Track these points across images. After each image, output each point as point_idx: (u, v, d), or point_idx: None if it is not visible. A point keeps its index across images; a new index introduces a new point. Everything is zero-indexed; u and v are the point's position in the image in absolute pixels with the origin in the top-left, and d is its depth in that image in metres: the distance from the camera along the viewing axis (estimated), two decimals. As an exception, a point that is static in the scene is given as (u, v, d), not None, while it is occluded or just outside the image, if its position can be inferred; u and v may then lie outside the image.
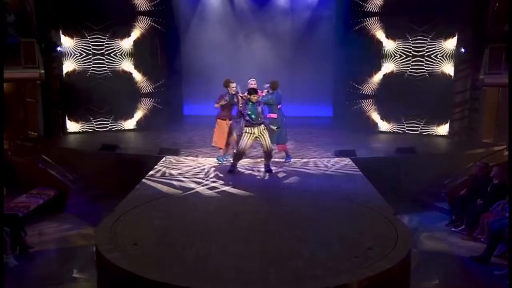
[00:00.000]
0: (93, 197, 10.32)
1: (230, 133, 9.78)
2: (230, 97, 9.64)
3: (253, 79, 9.94)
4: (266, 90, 9.91)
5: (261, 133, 9.10)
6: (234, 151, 9.51)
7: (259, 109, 9.02)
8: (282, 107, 10.04)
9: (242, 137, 9.21)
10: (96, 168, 10.83)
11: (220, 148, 9.98)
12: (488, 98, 12.53)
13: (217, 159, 10.02)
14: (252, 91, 9.07)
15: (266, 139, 9.15)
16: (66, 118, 13.20)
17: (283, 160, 10.09)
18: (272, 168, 9.38)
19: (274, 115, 9.81)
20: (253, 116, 8.96)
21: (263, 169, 9.35)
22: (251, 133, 9.07)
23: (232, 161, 9.37)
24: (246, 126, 9.09)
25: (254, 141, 9.25)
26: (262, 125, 9.11)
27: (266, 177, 9.04)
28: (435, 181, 10.37)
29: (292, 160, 10.15)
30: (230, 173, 9.12)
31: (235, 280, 4.95)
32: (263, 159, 9.54)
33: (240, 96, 9.64)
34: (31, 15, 12.12)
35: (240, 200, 7.66)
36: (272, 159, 9.62)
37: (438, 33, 12.74)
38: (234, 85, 9.70)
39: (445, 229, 8.82)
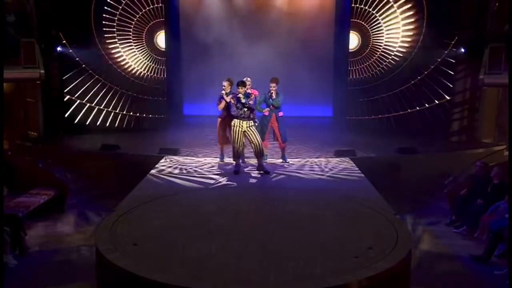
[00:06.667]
0: (93, 197, 10.31)
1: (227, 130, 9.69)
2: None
3: (247, 78, 9.83)
4: (272, 92, 9.61)
5: (248, 129, 9.00)
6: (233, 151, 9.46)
7: (250, 103, 8.90)
8: (283, 107, 9.98)
9: (232, 134, 9.10)
10: (96, 168, 10.83)
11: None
12: (488, 98, 12.54)
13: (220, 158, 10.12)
14: (241, 83, 8.92)
15: (254, 135, 9.01)
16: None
17: (281, 160, 10.07)
18: (271, 168, 9.36)
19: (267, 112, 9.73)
20: (241, 112, 8.88)
21: (264, 169, 9.23)
22: (239, 126, 8.96)
23: (234, 162, 9.33)
24: (234, 118, 9.00)
25: (245, 137, 9.11)
26: (250, 120, 9.02)
27: (266, 177, 9.03)
28: (435, 181, 10.36)
29: (291, 160, 10.13)
30: (236, 174, 9.08)
31: (235, 280, 4.95)
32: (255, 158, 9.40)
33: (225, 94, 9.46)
34: (31, 15, 12.12)
35: (240, 200, 7.66)
36: (271, 160, 9.62)
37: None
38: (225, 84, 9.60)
39: (445, 229, 8.81)
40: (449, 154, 11.69)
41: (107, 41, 14.04)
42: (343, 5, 14.07)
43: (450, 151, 12.03)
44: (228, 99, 9.22)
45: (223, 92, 9.43)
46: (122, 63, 14.23)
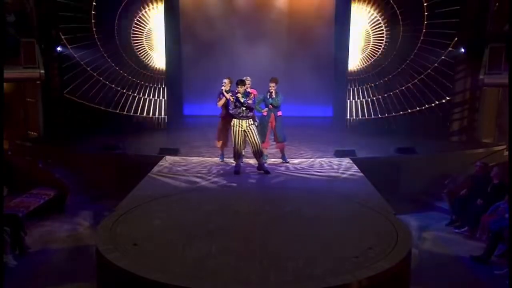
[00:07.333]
0: (93, 197, 10.31)
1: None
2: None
3: (247, 77, 9.79)
4: (271, 91, 9.59)
5: (248, 128, 8.98)
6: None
7: (249, 102, 8.90)
8: (282, 107, 9.95)
9: (232, 134, 9.09)
10: (96, 168, 10.83)
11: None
12: (488, 98, 12.54)
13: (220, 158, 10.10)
14: (240, 82, 8.88)
15: (253, 135, 8.99)
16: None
17: (281, 160, 10.06)
18: (271, 168, 9.36)
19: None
20: (240, 111, 8.87)
21: (264, 169, 9.22)
22: (239, 126, 8.95)
23: (235, 162, 9.32)
24: (234, 118, 8.98)
25: (245, 137, 9.07)
26: (250, 119, 9.01)
27: (266, 177, 9.03)
28: (435, 181, 10.37)
29: (291, 160, 10.12)
30: (236, 174, 9.06)
31: (235, 280, 4.96)
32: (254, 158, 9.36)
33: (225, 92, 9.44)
34: (31, 15, 12.12)
35: (240, 200, 7.66)
36: (271, 160, 9.56)
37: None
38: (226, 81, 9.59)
39: (445, 229, 8.81)
40: (449, 154, 11.69)
41: (107, 40, 14.02)
42: (343, 5, 14.05)
43: (450, 151, 12.02)
44: (228, 96, 9.21)
45: (223, 88, 9.43)
46: (122, 62, 14.20)
